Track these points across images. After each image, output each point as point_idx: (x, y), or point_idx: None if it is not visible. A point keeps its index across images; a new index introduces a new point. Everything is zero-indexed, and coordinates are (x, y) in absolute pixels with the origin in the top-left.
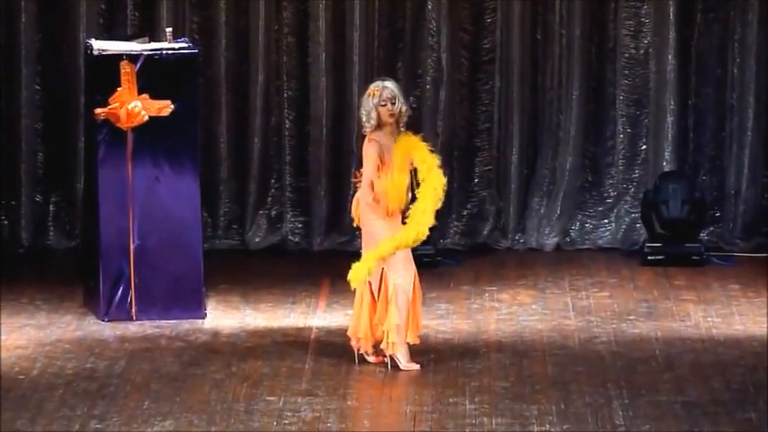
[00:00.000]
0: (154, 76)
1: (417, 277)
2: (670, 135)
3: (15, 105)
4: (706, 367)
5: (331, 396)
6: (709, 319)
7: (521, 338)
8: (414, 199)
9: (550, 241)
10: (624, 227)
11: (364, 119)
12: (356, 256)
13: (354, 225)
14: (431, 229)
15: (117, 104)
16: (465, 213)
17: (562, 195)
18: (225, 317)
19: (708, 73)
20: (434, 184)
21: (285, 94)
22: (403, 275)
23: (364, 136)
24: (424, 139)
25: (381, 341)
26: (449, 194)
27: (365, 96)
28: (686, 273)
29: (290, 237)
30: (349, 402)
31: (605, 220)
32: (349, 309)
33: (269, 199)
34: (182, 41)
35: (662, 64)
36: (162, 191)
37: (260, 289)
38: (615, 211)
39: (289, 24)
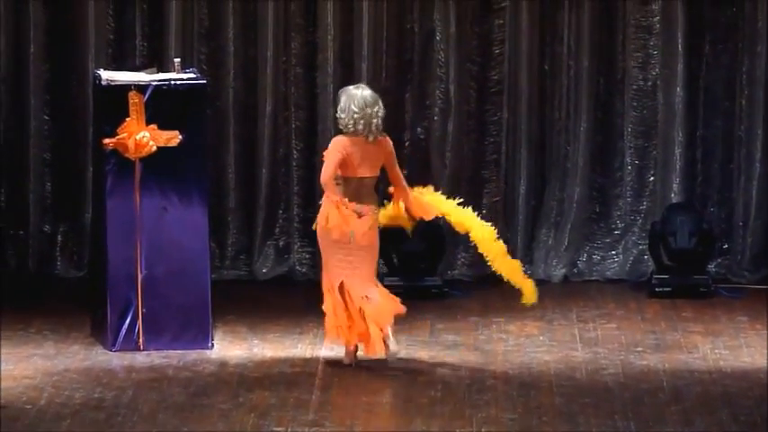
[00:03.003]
0: (162, 107)
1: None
2: (678, 167)
3: (24, 135)
4: (714, 399)
5: (338, 427)
6: (716, 351)
7: (528, 370)
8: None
9: (558, 272)
10: (632, 258)
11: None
12: None
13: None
14: (436, 261)
15: (125, 135)
16: (473, 244)
17: (570, 227)
18: (232, 347)
19: (716, 105)
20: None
21: (293, 125)
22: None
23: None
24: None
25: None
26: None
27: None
28: (694, 305)
29: (297, 267)
30: None
31: (613, 252)
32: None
33: (277, 229)
34: (190, 72)
35: (670, 96)
36: (170, 221)
37: (267, 319)
38: (623, 242)
39: (297, 55)
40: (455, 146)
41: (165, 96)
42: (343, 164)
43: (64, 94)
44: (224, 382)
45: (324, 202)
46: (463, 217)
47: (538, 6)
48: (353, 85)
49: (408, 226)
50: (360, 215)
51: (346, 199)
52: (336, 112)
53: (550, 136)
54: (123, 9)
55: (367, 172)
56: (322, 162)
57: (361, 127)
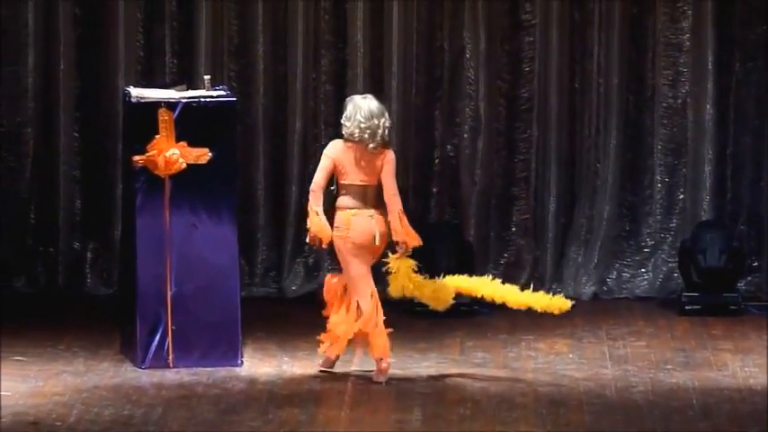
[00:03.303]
0: (192, 124)
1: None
2: (708, 184)
3: (54, 152)
4: (743, 417)
5: None
6: (746, 368)
7: (558, 387)
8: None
9: (587, 290)
10: (661, 276)
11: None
12: (394, 304)
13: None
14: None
15: (155, 152)
16: (502, 262)
17: (599, 244)
18: (262, 364)
19: (746, 122)
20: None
21: (322, 142)
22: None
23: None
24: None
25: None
26: (486, 243)
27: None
28: (723, 322)
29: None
30: None
31: (642, 270)
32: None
33: (306, 247)
34: (220, 89)
35: (700, 113)
36: (199, 238)
37: (297, 336)
38: (652, 260)
39: (326, 72)
40: (485, 163)
41: (194, 113)
42: (336, 169)
43: (94, 111)
44: (253, 400)
45: (336, 213)
46: (493, 288)
47: (568, 24)
48: (361, 95)
49: (437, 304)
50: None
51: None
52: (341, 119)
53: (580, 153)
54: (153, 26)
55: (358, 179)
56: None
57: (366, 136)
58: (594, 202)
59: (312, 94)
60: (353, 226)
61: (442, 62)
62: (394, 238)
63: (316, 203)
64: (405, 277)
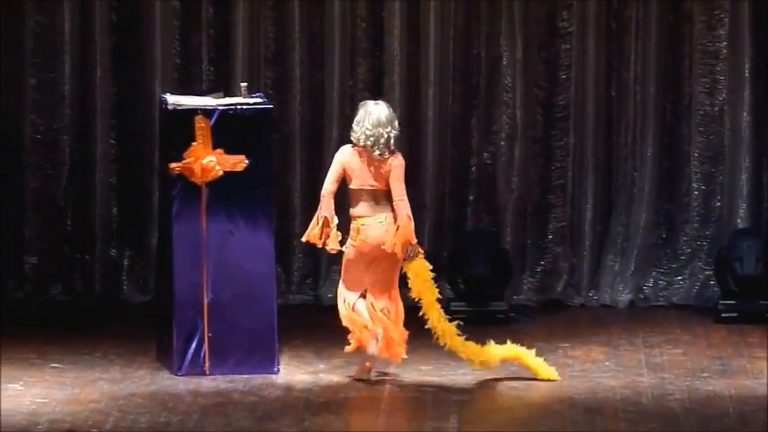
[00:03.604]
0: (228, 131)
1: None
2: (744, 192)
3: (90, 159)
4: None
5: None
6: None
7: (594, 395)
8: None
9: (624, 298)
10: (698, 284)
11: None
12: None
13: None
14: (502, 286)
15: (191, 159)
16: (538, 269)
17: (636, 252)
18: (298, 372)
19: None
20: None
21: None
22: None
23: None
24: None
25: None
26: (523, 251)
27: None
28: (760, 330)
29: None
30: None
31: (679, 277)
32: (423, 364)
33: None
34: (256, 96)
35: (737, 121)
36: (236, 245)
37: (333, 344)
38: (689, 268)
39: (363, 80)
40: (521, 171)
41: (231, 121)
42: (346, 174)
43: (130, 119)
44: (290, 407)
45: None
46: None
47: (604, 31)
48: (374, 101)
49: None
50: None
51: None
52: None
53: (617, 161)
54: (190, 33)
55: (366, 183)
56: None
57: (370, 143)
58: (631, 210)
59: (349, 102)
60: (363, 235)
61: (479, 70)
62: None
63: (326, 209)
64: (421, 281)
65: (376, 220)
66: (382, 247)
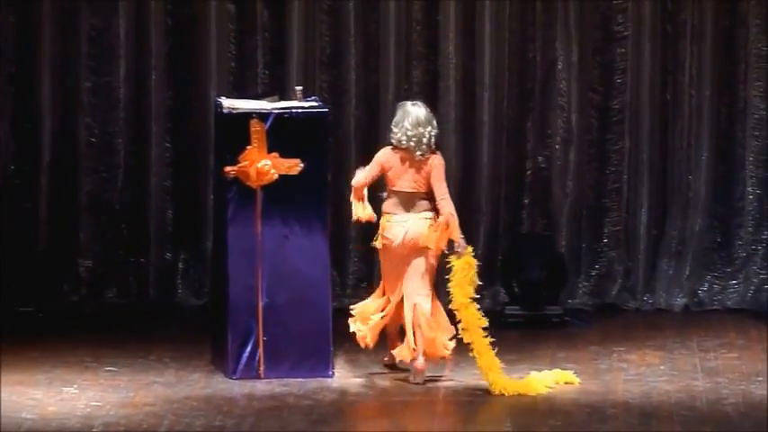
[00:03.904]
0: (283, 135)
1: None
2: None
3: (145, 163)
4: None
5: None
6: None
7: (648, 399)
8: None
9: (679, 302)
10: (753, 288)
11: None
12: (485, 315)
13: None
14: (557, 290)
15: (246, 163)
16: (594, 273)
17: (691, 256)
18: (353, 375)
19: None
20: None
21: None
22: (420, 293)
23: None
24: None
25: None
26: (577, 254)
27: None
28: None
29: None
30: None
31: (734, 281)
32: (476, 369)
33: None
34: (311, 100)
35: None
36: (291, 249)
37: (387, 348)
38: (744, 272)
39: (418, 83)
40: (576, 175)
41: (286, 124)
42: (386, 176)
43: (185, 122)
44: (344, 411)
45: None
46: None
47: (660, 35)
48: (411, 101)
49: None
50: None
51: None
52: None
53: (671, 165)
54: (245, 37)
55: (407, 186)
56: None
57: (412, 144)
58: (686, 214)
59: None
60: (385, 232)
61: (534, 74)
62: (435, 244)
63: (356, 196)
64: (463, 279)
65: (401, 219)
66: (420, 244)
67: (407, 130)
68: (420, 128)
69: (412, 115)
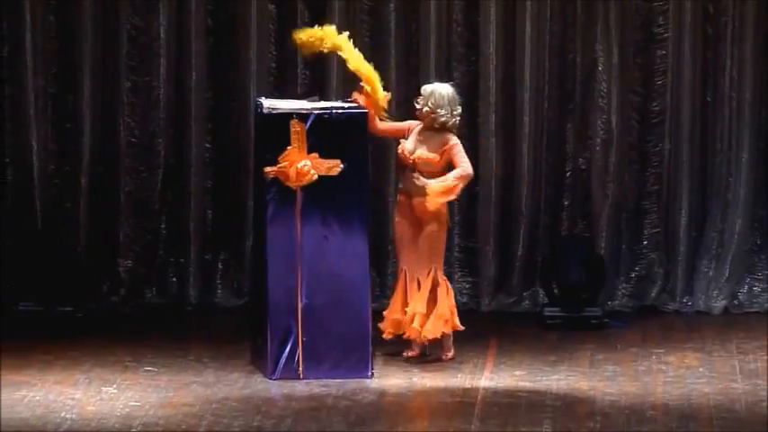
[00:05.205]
0: (323, 135)
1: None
2: None
3: (185, 163)
4: None
5: None
6: None
7: (688, 401)
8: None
9: (718, 304)
10: None
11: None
12: (525, 317)
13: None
14: (597, 292)
15: (286, 163)
16: (633, 275)
17: (731, 258)
18: (392, 376)
19: None
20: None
21: None
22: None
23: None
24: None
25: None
26: (617, 256)
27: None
28: None
29: (458, 296)
30: None
31: None
32: (517, 369)
33: None
34: (351, 100)
35: None
36: (330, 250)
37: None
38: None
39: (459, 84)
40: (616, 176)
41: (326, 125)
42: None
43: (225, 123)
44: (383, 412)
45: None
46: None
47: (700, 37)
48: (438, 82)
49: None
50: None
51: None
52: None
53: (712, 167)
54: (285, 37)
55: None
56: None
57: (441, 112)
58: (726, 216)
59: None
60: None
61: (575, 75)
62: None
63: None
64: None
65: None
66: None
67: (434, 99)
68: (446, 99)
69: (453, 94)
